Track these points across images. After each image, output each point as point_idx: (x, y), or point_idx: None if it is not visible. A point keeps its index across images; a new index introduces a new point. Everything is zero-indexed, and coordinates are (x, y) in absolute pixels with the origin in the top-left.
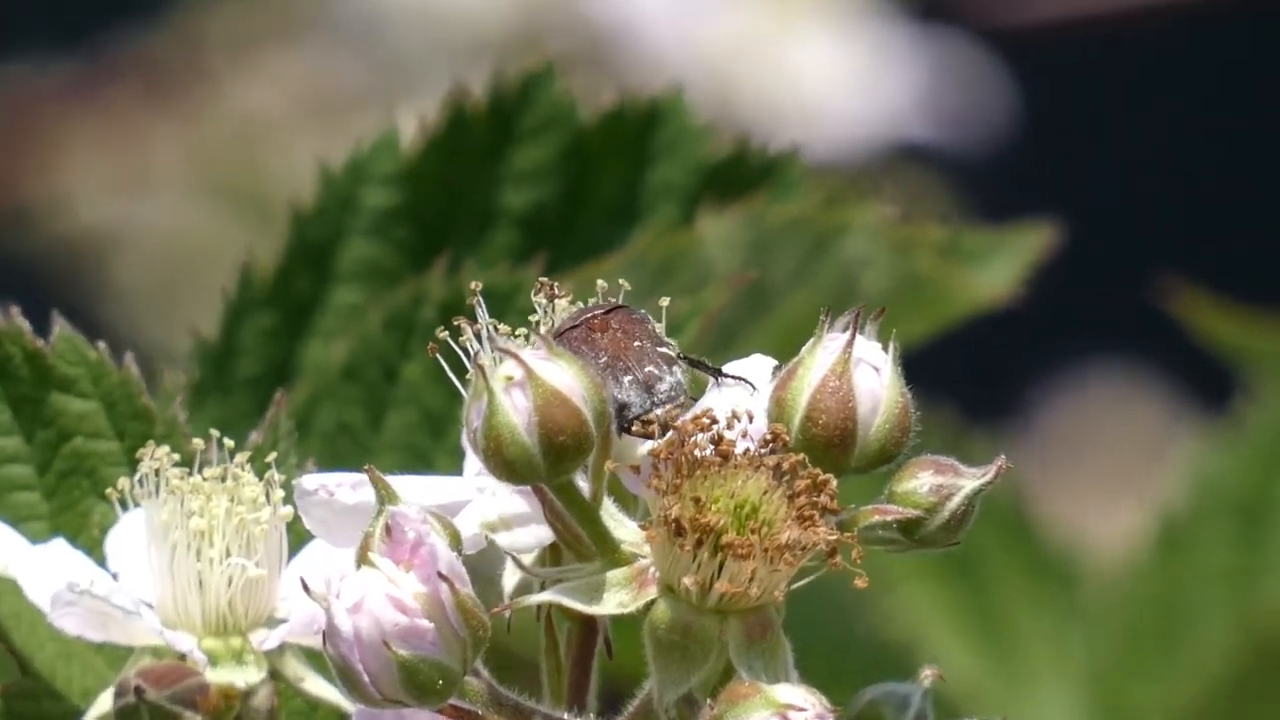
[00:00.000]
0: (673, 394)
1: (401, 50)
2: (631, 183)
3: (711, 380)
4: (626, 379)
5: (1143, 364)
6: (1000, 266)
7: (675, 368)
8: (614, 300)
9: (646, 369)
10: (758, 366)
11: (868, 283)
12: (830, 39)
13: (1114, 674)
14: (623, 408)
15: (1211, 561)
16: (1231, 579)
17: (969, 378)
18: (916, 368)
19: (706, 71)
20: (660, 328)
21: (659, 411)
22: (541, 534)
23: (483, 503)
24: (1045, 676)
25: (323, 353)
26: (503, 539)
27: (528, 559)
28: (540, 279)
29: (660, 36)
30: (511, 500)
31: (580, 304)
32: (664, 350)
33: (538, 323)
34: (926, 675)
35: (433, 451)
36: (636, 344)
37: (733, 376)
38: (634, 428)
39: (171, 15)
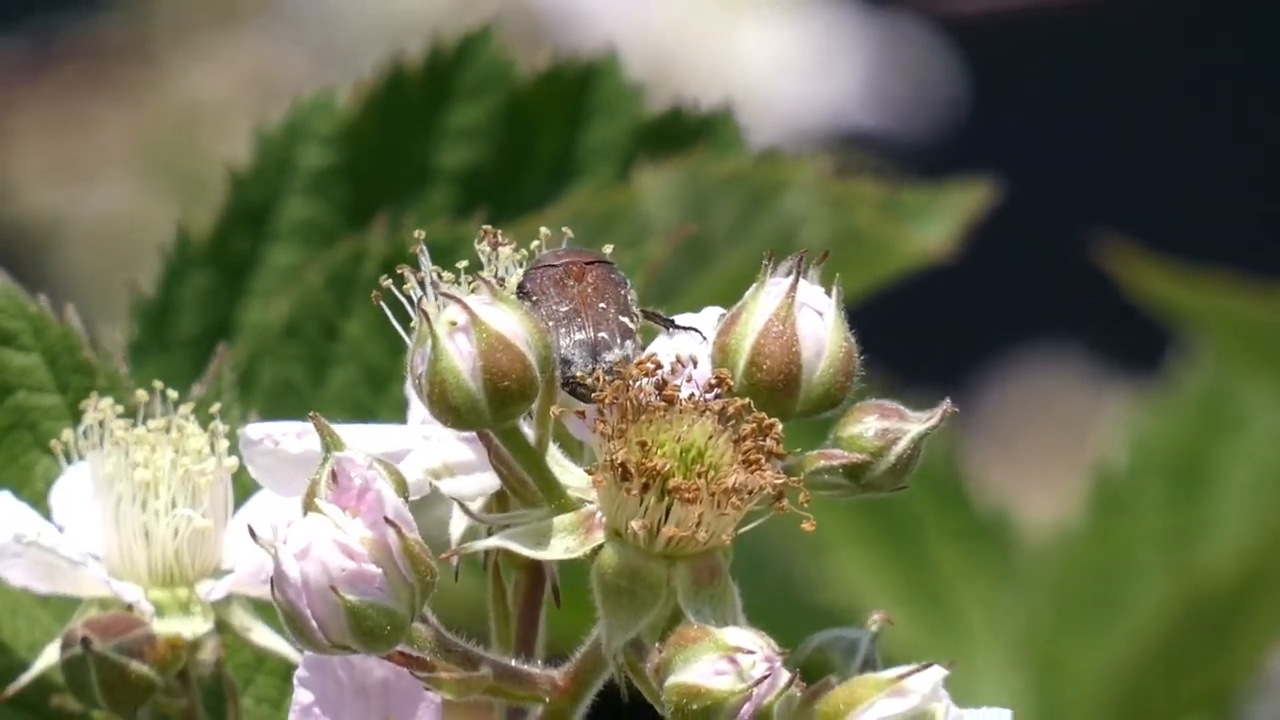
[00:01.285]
0: (617, 368)
1: (345, 36)
2: (568, 142)
3: (663, 330)
4: (578, 335)
5: (1078, 330)
6: (937, 223)
7: (629, 342)
8: (600, 254)
9: (600, 334)
10: (709, 319)
11: (806, 238)
12: (776, 25)
13: (1050, 634)
14: (564, 363)
15: (1147, 522)
16: (1166, 540)
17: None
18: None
19: (650, 57)
20: (633, 296)
21: (592, 380)
22: (486, 481)
23: (427, 449)
24: (981, 638)
25: (262, 312)
26: (447, 485)
27: (474, 506)
28: (484, 227)
29: (603, 23)
30: (456, 447)
31: (569, 243)
32: (624, 321)
33: (481, 270)
34: (874, 620)
35: (375, 406)
36: (601, 305)
37: (686, 328)
38: (573, 389)
39: (117, 1)
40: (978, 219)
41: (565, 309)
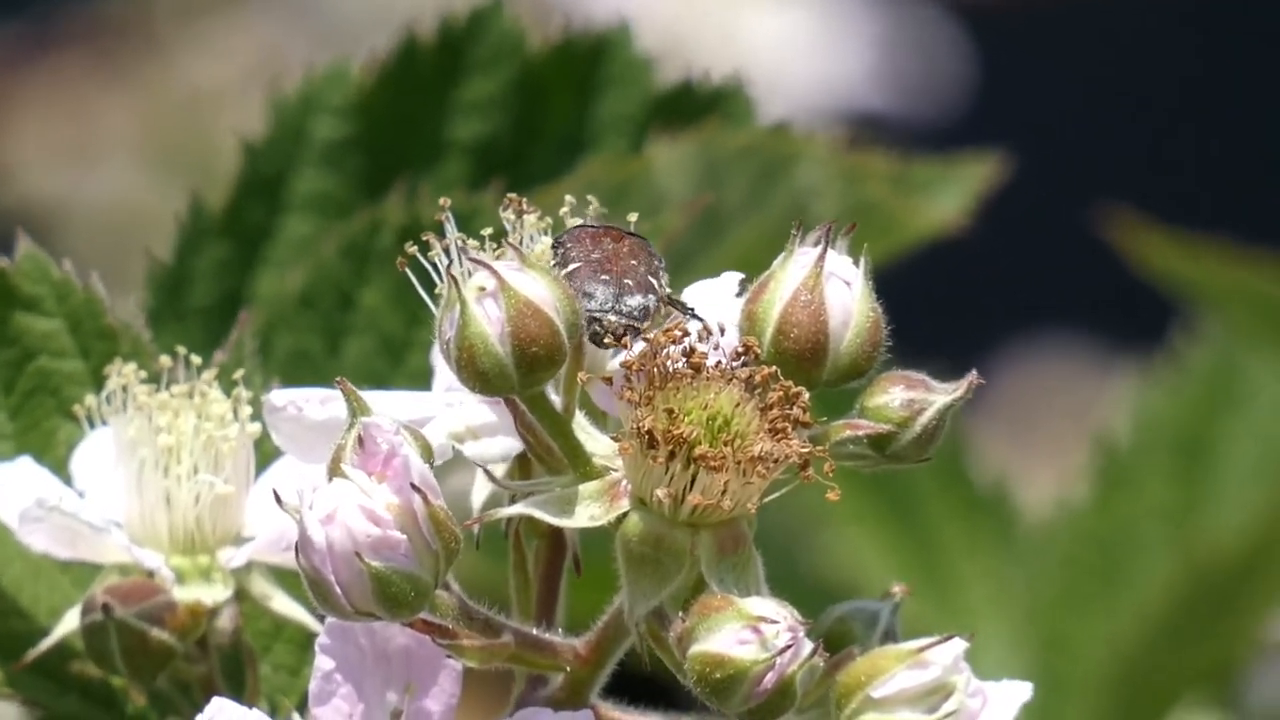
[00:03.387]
0: (636, 313)
1: (349, 20)
2: (580, 114)
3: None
4: (604, 277)
5: (1084, 307)
6: (948, 196)
7: (652, 296)
8: (638, 232)
9: (626, 281)
10: (727, 285)
11: (818, 210)
12: (785, 5)
13: (1054, 610)
14: (585, 296)
15: (1151, 497)
16: (1171, 515)
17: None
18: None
19: (660, 39)
20: (664, 272)
21: (613, 319)
22: (509, 445)
23: (450, 413)
24: (984, 614)
25: (276, 283)
26: (470, 449)
27: (498, 471)
28: (509, 195)
29: (612, 5)
30: (479, 410)
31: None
32: (653, 281)
33: (507, 236)
34: (895, 592)
35: (391, 377)
36: (633, 262)
37: (703, 319)
38: (588, 326)
39: None
40: (986, 196)
41: (597, 255)
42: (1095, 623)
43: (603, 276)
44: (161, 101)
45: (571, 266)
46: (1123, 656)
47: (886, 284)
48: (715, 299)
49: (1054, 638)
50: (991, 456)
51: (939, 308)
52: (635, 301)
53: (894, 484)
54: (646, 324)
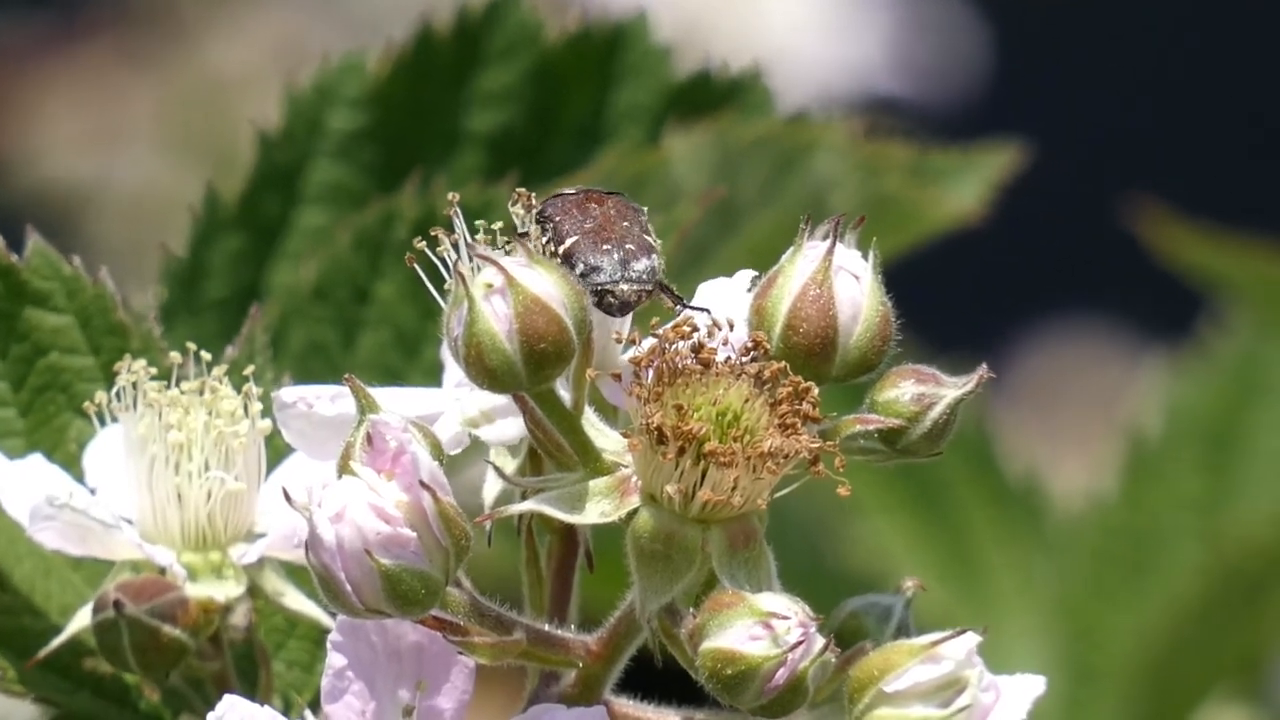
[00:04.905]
0: (645, 276)
1: (371, 6)
2: (598, 104)
3: (674, 308)
4: (605, 246)
5: (1112, 298)
6: (967, 185)
7: (654, 255)
8: (614, 189)
9: (627, 245)
10: (740, 282)
11: (836, 201)
12: None
13: (1083, 601)
14: (593, 270)
15: (1180, 488)
16: (1200, 506)
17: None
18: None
19: (676, 20)
20: (650, 224)
21: (625, 288)
22: (525, 426)
23: (463, 399)
24: (1013, 604)
25: (291, 275)
26: (485, 432)
27: (509, 467)
28: (517, 189)
29: None
30: (492, 394)
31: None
32: (648, 239)
33: (515, 231)
34: (908, 586)
35: (406, 370)
36: (625, 224)
37: (697, 308)
38: (601, 298)
39: None
40: (1009, 183)
41: (590, 225)
42: (1124, 614)
43: (604, 246)
44: (186, 88)
45: (569, 241)
46: (1152, 648)
47: (909, 271)
48: (728, 296)
49: (1083, 629)
50: (1017, 444)
51: (963, 294)
52: (642, 265)
53: (923, 474)
54: (653, 287)
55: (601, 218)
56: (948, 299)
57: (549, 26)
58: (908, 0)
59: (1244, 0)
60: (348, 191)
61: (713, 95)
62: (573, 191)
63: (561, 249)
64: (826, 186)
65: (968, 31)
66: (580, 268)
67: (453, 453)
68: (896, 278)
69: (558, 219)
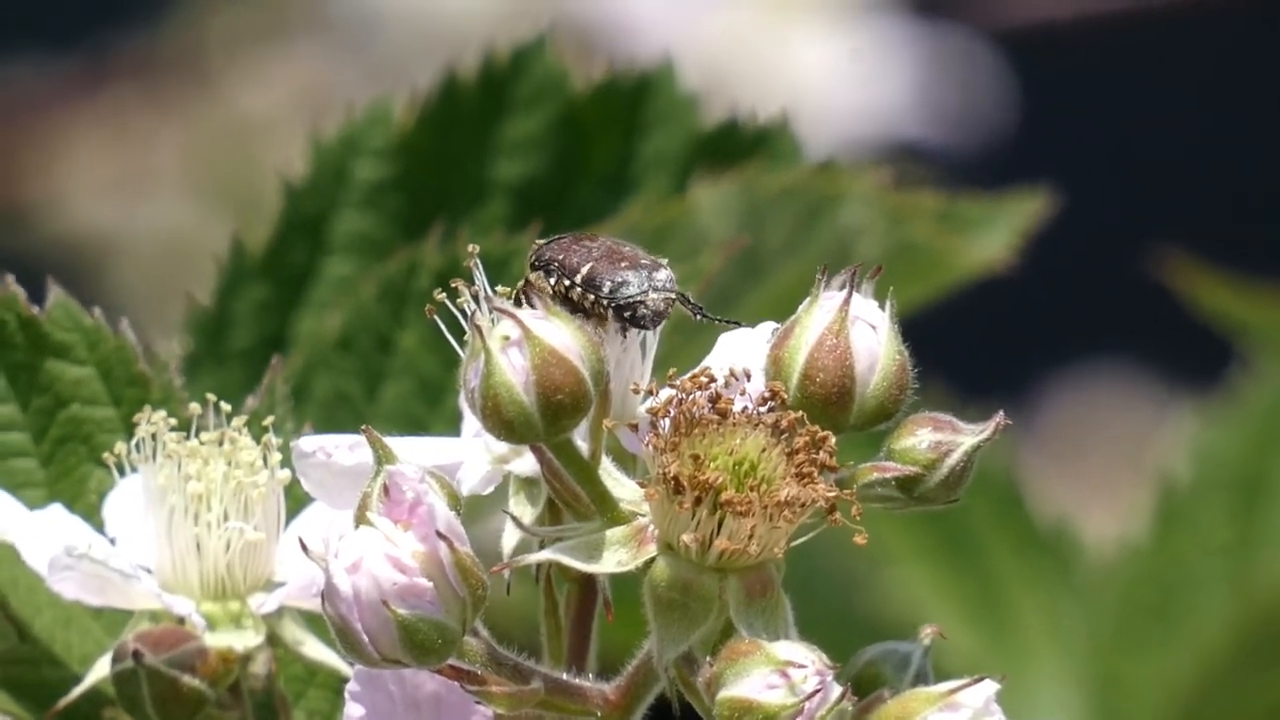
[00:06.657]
0: (669, 284)
1: (397, 50)
2: (624, 153)
3: (693, 317)
4: (623, 264)
5: (1140, 345)
6: (994, 234)
7: (667, 268)
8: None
9: (641, 262)
10: (763, 334)
11: (862, 250)
12: (827, 36)
13: (1112, 649)
14: (621, 284)
15: (1209, 536)
16: (1230, 553)
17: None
18: (912, 347)
19: (702, 69)
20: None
21: (655, 296)
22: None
23: (487, 438)
24: (1042, 652)
25: (316, 324)
26: (516, 466)
27: (528, 517)
28: (537, 241)
29: (655, 33)
30: None
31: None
32: (654, 258)
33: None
34: (926, 634)
35: (429, 419)
36: (627, 249)
37: (713, 317)
38: (634, 311)
39: (169, 17)
40: (1037, 230)
41: (598, 252)
42: (1154, 662)
43: (621, 264)
44: (212, 132)
45: (585, 268)
46: (1181, 697)
47: (937, 318)
48: (749, 346)
49: (1112, 677)
50: (1046, 491)
51: (991, 340)
52: (664, 275)
53: (952, 520)
54: (677, 295)
55: (604, 247)
56: (976, 345)
57: (575, 75)
58: (934, 46)
59: (1273, 44)
60: (373, 241)
61: (740, 144)
62: (562, 236)
63: (579, 277)
64: (853, 236)
65: (994, 76)
66: (607, 286)
67: (486, 491)
68: (923, 324)
69: (561, 257)
